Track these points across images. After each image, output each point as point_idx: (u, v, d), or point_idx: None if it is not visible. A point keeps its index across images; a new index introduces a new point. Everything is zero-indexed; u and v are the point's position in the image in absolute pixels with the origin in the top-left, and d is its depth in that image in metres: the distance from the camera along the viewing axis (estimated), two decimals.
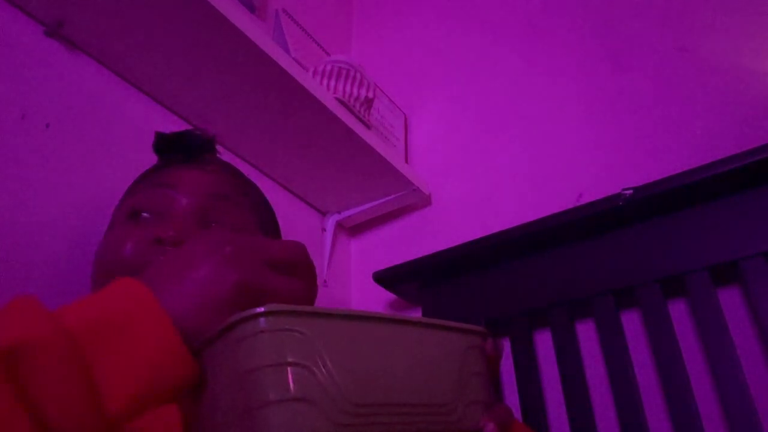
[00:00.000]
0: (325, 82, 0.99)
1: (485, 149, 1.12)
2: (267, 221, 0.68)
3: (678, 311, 0.80)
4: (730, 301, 0.77)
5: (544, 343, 0.90)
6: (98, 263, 0.59)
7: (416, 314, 1.05)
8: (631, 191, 0.80)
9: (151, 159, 0.83)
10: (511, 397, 0.89)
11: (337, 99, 0.97)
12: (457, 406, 0.38)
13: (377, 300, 1.11)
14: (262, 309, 0.32)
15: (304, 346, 0.32)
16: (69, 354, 0.30)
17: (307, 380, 0.32)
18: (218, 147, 0.71)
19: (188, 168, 0.63)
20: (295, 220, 1.08)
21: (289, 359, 0.32)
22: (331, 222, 1.17)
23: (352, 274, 1.20)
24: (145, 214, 0.59)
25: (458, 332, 0.41)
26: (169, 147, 0.66)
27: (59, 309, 0.33)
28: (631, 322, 0.83)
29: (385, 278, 1.02)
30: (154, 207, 0.59)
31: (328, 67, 1.01)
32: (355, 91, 1.01)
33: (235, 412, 0.32)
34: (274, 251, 0.39)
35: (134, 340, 0.32)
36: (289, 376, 0.31)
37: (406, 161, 1.21)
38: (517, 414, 0.84)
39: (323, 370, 0.32)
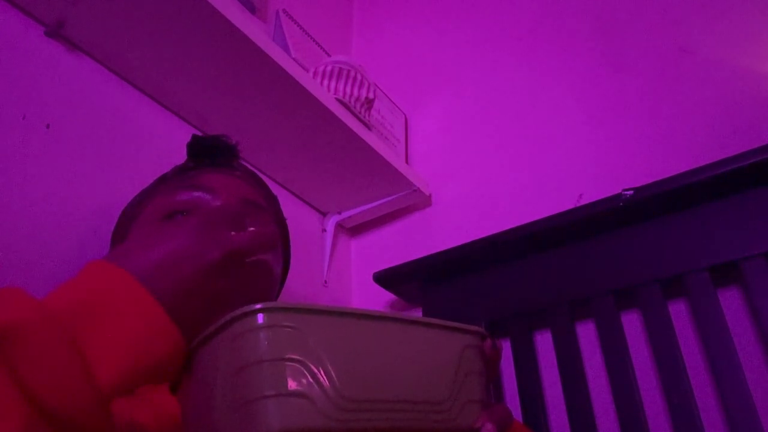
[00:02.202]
0: (325, 82, 0.99)
1: (485, 149, 1.12)
2: (284, 230, 0.70)
3: (678, 311, 0.80)
4: (730, 301, 0.77)
5: (544, 343, 0.90)
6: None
7: (417, 314, 1.05)
8: (631, 192, 0.80)
9: (151, 159, 0.84)
10: (511, 397, 0.89)
11: (338, 99, 0.97)
12: (453, 405, 0.38)
13: (378, 300, 1.11)
14: (260, 306, 0.33)
15: (301, 343, 0.33)
16: (56, 333, 0.30)
17: (303, 376, 0.32)
18: None
19: (220, 172, 0.65)
20: (295, 221, 1.08)
21: (286, 355, 0.32)
22: (331, 222, 1.17)
23: (352, 275, 1.20)
24: (180, 216, 0.60)
25: (456, 331, 0.41)
26: (203, 150, 0.68)
27: (43, 298, 0.34)
28: (631, 322, 0.83)
29: (386, 278, 1.02)
30: (191, 209, 0.60)
31: (329, 68, 1.01)
32: (355, 91, 1.01)
33: (232, 406, 0.32)
34: (256, 247, 0.43)
35: (119, 317, 0.33)
36: (286, 371, 0.32)
37: (407, 161, 1.21)
38: (517, 414, 0.84)
39: (320, 366, 0.33)
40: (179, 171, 0.67)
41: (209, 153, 0.68)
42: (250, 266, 0.46)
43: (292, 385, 0.31)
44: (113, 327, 0.33)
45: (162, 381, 0.35)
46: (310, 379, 0.32)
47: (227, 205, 0.58)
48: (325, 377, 0.32)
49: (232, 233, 0.42)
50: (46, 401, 0.28)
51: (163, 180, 0.67)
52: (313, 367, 0.32)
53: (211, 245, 0.40)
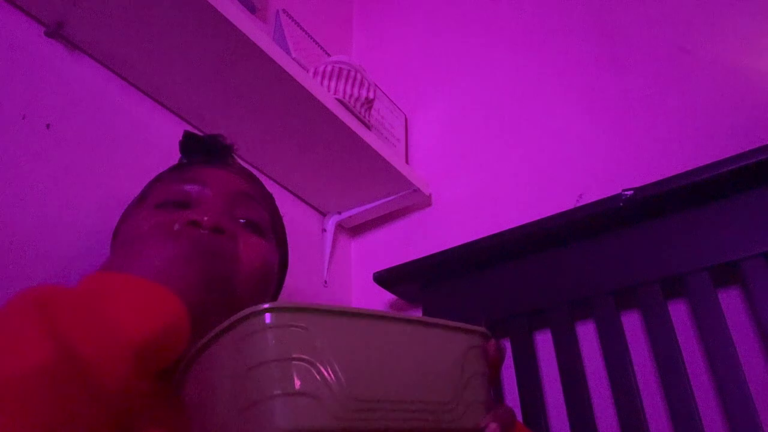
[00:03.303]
0: (325, 82, 0.99)
1: (485, 150, 1.12)
2: (278, 224, 0.71)
3: (678, 311, 0.80)
4: (730, 301, 0.77)
5: (544, 343, 0.91)
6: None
7: (417, 315, 1.05)
8: (631, 192, 0.80)
9: (151, 159, 0.83)
10: (511, 397, 0.89)
11: (338, 99, 0.97)
12: (457, 405, 0.38)
13: (378, 301, 1.11)
14: (267, 306, 0.33)
15: (308, 342, 0.33)
16: (82, 300, 0.36)
17: (310, 375, 0.32)
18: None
19: (214, 167, 0.66)
20: (295, 221, 1.08)
21: (294, 355, 0.32)
22: (331, 222, 1.17)
23: (352, 275, 1.20)
24: (172, 206, 0.61)
25: (460, 332, 0.41)
26: (196, 147, 0.69)
27: None
28: (631, 322, 0.83)
29: (386, 279, 1.02)
30: (184, 199, 0.61)
31: (329, 68, 1.01)
32: (355, 91, 1.01)
33: (239, 406, 0.32)
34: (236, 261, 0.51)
35: (125, 297, 0.38)
36: (294, 371, 0.32)
37: (407, 162, 1.21)
38: (517, 414, 0.84)
39: (326, 365, 0.33)
40: (174, 168, 0.68)
41: (203, 149, 0.69)
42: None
43: (299, 384, 0.32)
44: (124, 303, 0.37)
45: (174, 348, 0.39)
46: (318, 379, 0.32)
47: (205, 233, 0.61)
48: (332, 377, 0.32)
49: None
50: (80, 350, 0.32)
51: (158, 179, 0.67)
52: (320, 367, 0.32)
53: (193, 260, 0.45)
